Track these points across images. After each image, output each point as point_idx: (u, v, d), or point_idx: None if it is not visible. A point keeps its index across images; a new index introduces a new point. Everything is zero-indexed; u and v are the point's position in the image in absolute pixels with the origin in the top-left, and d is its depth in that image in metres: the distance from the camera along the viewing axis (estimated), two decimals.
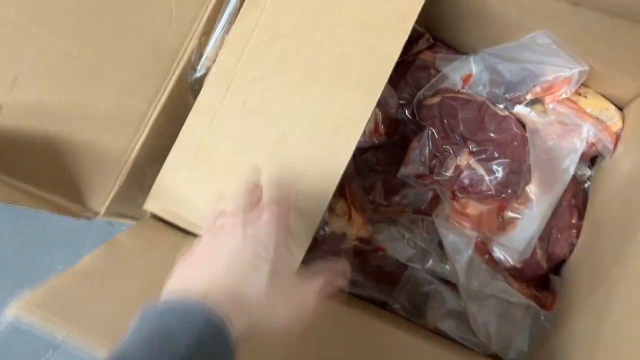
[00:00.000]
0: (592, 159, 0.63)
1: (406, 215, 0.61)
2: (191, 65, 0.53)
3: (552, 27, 0.53)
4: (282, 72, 0.50)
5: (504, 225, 0.58)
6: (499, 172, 0.57)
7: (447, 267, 0.56)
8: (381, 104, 0.61)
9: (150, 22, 0.51)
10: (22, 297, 0.36)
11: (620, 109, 0.61)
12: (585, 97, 0.60)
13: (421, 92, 0.62)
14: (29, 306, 0.36)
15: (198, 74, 0.53)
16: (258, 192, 0.39)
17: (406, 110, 0.64)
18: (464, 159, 0.59)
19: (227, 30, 0.53)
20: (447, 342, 0.55)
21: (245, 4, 0.52)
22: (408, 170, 0.61)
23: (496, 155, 0.58)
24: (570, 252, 0.58)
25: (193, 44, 0.53)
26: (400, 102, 0.64)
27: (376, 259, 0.60)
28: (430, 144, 0.60)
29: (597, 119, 0.59)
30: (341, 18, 0.50)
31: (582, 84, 0.59)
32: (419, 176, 0.61)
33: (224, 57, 0.51)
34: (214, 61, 0.52)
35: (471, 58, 0.61)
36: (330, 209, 0.59)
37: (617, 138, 0.59)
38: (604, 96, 0.61)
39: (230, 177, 0.49)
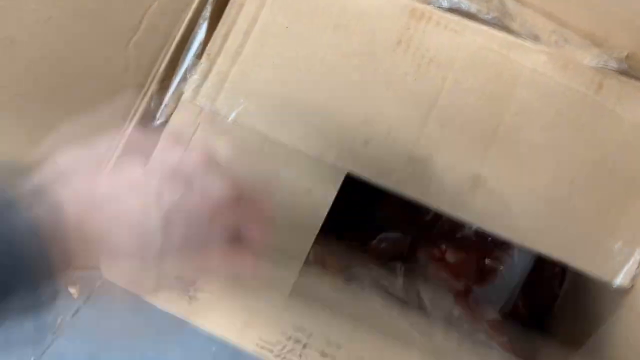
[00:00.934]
0: None
1: (383, 262, 0.58)
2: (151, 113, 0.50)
3: None
4: None
5: (485, 274, 0.55)
6: None
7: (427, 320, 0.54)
8: None
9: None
10: None
11: None
12: None
13: None
14: None
15: (158, 122, 0.50)
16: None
17: None
18: None
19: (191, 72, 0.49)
20: None
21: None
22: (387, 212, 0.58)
23: None
24: (554, 301, 0.56)
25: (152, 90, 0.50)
26: None
27: None
28: None
29: None
30: None
31: None
32: (398, 219, 0.58)
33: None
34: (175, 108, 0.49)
35: None
36: None
37: None
38: None
39: None
